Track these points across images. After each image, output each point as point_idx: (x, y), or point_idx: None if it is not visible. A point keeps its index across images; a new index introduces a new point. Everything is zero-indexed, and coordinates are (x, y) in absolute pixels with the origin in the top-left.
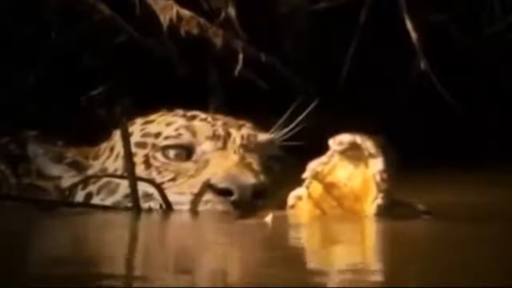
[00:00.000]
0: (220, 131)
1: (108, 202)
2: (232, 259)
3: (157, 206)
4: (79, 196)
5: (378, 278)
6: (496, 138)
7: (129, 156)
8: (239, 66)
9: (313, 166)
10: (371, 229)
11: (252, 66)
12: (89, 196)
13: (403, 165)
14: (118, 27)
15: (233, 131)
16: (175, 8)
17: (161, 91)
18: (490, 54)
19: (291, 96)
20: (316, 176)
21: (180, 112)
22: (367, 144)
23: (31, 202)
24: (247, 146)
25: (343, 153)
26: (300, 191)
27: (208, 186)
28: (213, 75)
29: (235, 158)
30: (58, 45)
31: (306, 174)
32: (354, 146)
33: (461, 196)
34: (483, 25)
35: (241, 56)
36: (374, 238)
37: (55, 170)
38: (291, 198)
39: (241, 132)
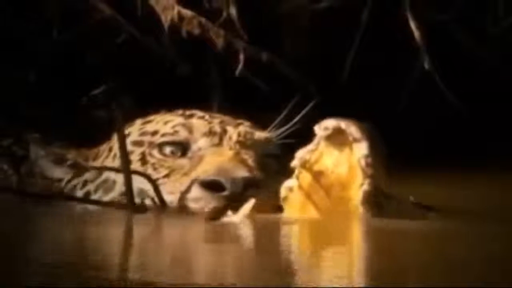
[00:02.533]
0: (217, 128)
1: (105, 199)
2: (222, 258)
3: (150, 202)
4: (78, 195)
5: (377, 278)
6: (497, 139)
7: (124, 152)
8: (240, 66)
9: (301, 154)
10: (370, 227)
11: (253, 67)
12: (87, 194)
13: (403, 165)
14: (119, 27)
15: (230, 128)
16: (177, 8)
17: (161, 91)
18: (492, 55)
19: (292, 97)
20: (304, 164)
21: (179, 111)
22: (352, 129)
23: (31, 196)
24: (244, 143)
25: (328, 139)
26: (290, 182)
27: (199, 183)
28: (214, 75)
29: (230, 153)
30: (58, 45)
31: (294, 163)
32: (338, 132)
33: (461, 196)
34: (486, 26)
35: (242, 57)
36: (373, 238)
37: (56, 172)
38: (283, 190)
39: (238, 129)
